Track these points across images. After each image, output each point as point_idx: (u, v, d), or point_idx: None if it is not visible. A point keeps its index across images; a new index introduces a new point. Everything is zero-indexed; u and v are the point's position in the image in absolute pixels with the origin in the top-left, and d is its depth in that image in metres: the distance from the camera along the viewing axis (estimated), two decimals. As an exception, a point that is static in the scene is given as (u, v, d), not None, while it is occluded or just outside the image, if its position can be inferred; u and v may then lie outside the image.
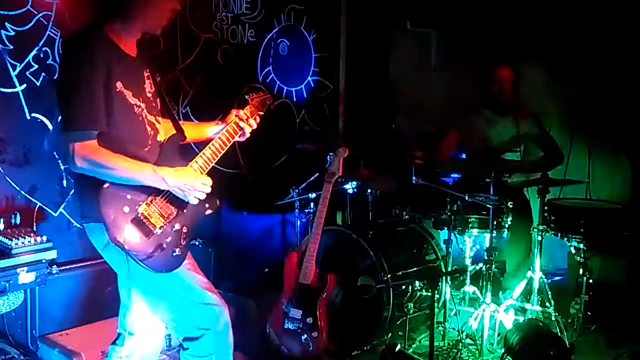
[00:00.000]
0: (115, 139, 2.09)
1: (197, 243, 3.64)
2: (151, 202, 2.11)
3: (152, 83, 2.36)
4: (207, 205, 2.28)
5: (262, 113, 2.61)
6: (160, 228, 2.09)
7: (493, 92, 4.04)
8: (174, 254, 2.15)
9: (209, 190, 2.24)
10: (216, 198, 2.31)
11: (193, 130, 2.52)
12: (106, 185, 2.03)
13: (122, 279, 2.37)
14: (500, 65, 4.03)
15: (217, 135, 2.44)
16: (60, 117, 2.13)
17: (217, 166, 2.44)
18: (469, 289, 3.74)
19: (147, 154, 2.21)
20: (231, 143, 2.46)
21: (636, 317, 3.73)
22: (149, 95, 2.33)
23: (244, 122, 2.50)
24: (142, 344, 2.47)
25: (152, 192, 2.13)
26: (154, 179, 2.12)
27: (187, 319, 2.29)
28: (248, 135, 2.51)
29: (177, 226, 2.17)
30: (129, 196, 2.07)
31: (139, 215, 2.06)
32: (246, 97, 2.60)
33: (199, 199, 2.21)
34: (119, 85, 2.12)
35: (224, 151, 2.41)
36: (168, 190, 2.17)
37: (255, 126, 2.52)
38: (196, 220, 2.25)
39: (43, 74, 3.27)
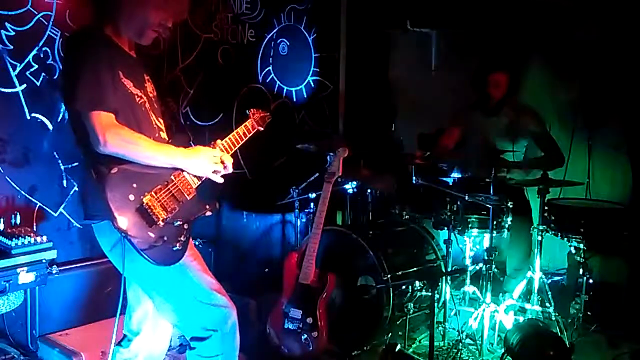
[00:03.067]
0: (124, 125, 2.12)
1: (197, 243, 3.64)
2: (156, 193, 2.12)
3: (154, 87, 2.42)
4: (207, 207, 2.30)
5: (262, 129, 2.65)
6: (162, 220, 2.10)
7: (487, 95, 4.10)
8: (174, 249, 2.16)
9: (230, 169, 2.34)
10: (216, 201, 2.34)
11: None
12: (114, 170, 2.04)
13: (129, 280, 2.37)
14: (495, 70, 4.07)
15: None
16: (69, 106, 2.14)
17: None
18: (469, 289, 3.74)
19: None
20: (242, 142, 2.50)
21: (636, 317, 3.73)
22: (151, 95, 2.37)
23: (249, 133, 2.55)
24: (148, 344, 2.47)
25: (158, 183, 2.15)
26: (176, 154, 2.20)
27: (195, 320, 2.29)
28: (230, 170, 2.42)
29: (178, 221, 2.18)
30: (135, 185, 2.08)
31: (144, 205, 2.07)
32: (247, 111, 2.64)
33: (219, 174, 2.31)
34: (120, 73, 2.17)
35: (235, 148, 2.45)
36: (174, 184, 2.19)
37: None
38: (196, 220, 2.27)
39: (43, 74, 3.27)
